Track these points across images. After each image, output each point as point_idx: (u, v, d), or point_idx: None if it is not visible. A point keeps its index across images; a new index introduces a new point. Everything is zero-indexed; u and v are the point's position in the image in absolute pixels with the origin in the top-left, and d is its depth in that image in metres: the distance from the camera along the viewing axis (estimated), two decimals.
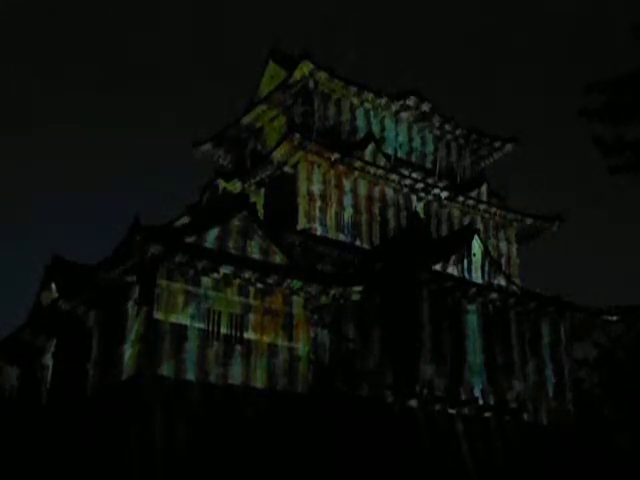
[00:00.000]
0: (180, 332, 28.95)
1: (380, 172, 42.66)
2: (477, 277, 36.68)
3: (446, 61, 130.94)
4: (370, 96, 45.91)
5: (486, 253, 37.80)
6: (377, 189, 42.91)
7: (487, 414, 34.87)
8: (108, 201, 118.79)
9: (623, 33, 25.86)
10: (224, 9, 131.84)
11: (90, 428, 29.52)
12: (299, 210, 39.70)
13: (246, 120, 47.98)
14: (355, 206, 41.71)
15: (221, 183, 44.75)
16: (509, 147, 50.86)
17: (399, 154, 46.25)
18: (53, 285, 36.02)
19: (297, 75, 43.65)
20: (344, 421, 30.53)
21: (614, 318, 37.45)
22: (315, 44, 76.09)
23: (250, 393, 29.69)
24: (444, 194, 45.10)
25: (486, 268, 37.23)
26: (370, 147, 43.30)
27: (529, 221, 48.17)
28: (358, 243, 40.88)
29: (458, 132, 49.30)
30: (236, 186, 44.16)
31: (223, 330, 30.12)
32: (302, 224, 39.17)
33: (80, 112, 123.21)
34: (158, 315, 28.69)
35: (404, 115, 47.33)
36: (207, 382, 28.95)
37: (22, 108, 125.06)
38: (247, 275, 30.75)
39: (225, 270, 30.22)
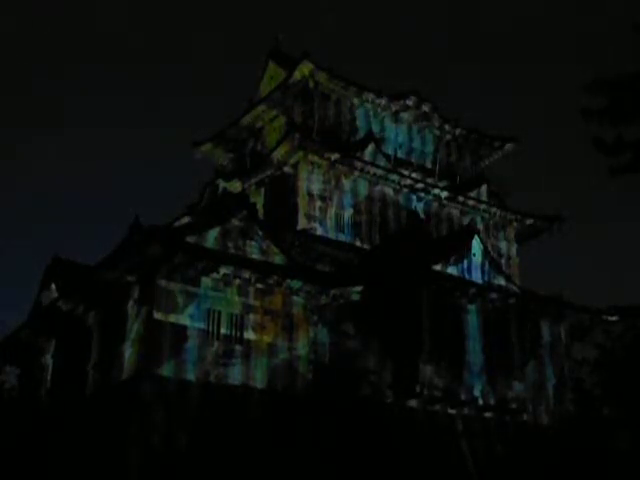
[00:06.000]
0: (180, 332, 28.93)
1: (380, 172, 42.62)
2: (477, 277, 36.63)
3: (446, 61, 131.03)
4: (370, 96, 45.87)
5: (486, 253, 37.76)
6: (377, 189, 42.88)
7: (487, 414, 34.84)
8: (108, 201, 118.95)
9: (623, 33, 25.87)
10: (224, 9, 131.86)
11: (90, 428, 29.51)
12: (299, 210, 39.66)
13: (246, 120, 47.96)
14: (355, 206, 41.68)
15: (221, 183, 44.74)
16: (509, 147, 50.80)
17: (399, 154, 46.21)
18: (53, 285, 36.02)
19: (297, 75, 43.61)
20: (344, 421, 30.51)
21: (614, 318, 37.42)
22: (315, 44, 76.21)
23: (250, 393, 29.69)
24: (444, 194, 45.08)
25: (486, 268, 37.18)
26: (370, 147, 43.26)
27: (529, 221, 48.12)
28: (358, 243, 40.84)
29: (458, 132, 49.26)
30: (236, 186, 44.14)
31: (223, 330, 30.10)
32: (302, 224, 39.13)
33: (80, 112, 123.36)
34: (158, 315, 28.65)
35: (404, 115, 47.30)
36: (207, 382, 28.94)
37: (22, 108, 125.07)
38: (247, 275, 30.73)
39: (225, 270, 30.20)
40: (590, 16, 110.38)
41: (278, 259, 32.73)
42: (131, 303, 30.10)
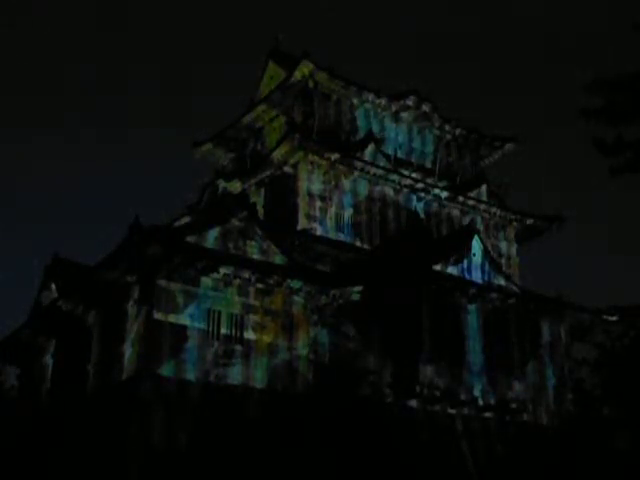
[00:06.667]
0: (180, 332, 28.92)
1: (380, 172, 42.61)
2: (477, 277, 36.63)
3: (446, 61, 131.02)
4: (370, 96, 45.87)
5: (486, 253, 37.76)
6: (377, 189, 42.87)
7: (487, 414, 34.85)
8: (108, 201, 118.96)
9: (623, 33, 25.87)
10: (224, 9, 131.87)
11: (90, 428, 29.52)
12: (299, 210, 39.64)
13: (246, 120, 47.95)
14: (355, 206, 41.67)
15: (221, 183, 44.74)
16: (509, 147, 50.81)
17: (399, 154, 46.20)
18: (53, 285, 36.01)
19: (297, 75, 43.61)
20: (344, 421, 30.51)
21: (614, 318, 37.40)
22: (315, 44, 76.19)
23: (250, 393, 29.69)
24: (444, 194, 45.07)
25: (486, 268, 37.18)
26: (370, 147, 43.25)
27: (529, 221, 48.12)
28: (358, 243, 40.83)
29: (458, 132, 49.26)
30: (236, 186, 44.13)
31: (223, 330, 30.09)
32: (302, 224, 39.12)
33: (80, 112, 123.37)
34: (158, 315, 28.65)
35: (404, 115, 47.29)
36: (207, 382, 28.94)
37: (22, 107, 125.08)
38: (247, 275, 30.72)
39: (225, 270, 30.20)
40: (590, 16, 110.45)
41: (278, 259, 32.73)
42: (131, 303, 30.10)
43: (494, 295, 36.43)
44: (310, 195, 40.08)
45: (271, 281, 31.28)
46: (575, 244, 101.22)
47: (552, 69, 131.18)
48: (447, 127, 48.81)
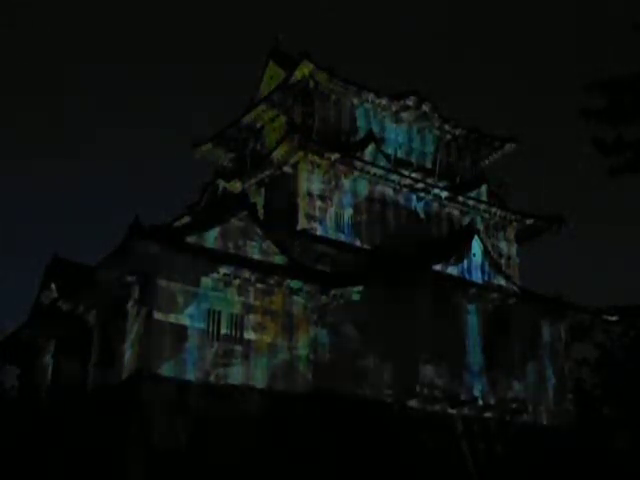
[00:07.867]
0: (180, 332, 28.94)
1: (380, 172, 42.56)
2: (477, 277, 36.64)
3: (446, 61, 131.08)
4: (370, 96, 45.84)
5: (486, 253, 37.76)
6: (377, 189, 42.82)
7: (487, 414, 34.86)
8: (108, 201, 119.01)
9: (623, 33, 25.88)
10: (224, 9, 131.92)
11: (90, 428, 29.51)
12: (299, 210, 39.60)
13: (246, 120, 47.90)
14: (355, 206, 41.62)
15: (221, 183, 44.71)
16: (509, 147, 50.75)
17: (399, 154, 46.15)
18: (53, 285, 36.03)
19: (297, 75, 43.57)
20: (344, 421, 30.51)
21: (614, 318, 37.42)
22: (315, 44, 76.23)
23: (250, 393, 29.70)
24: (444, 194, 45.03)
25: (486, 268, 37.19)
26: (370, 147, 43.21)
27: (529, 221, 48.08)
28: (358, 243, 40.80)
29: (458, 132, 49.22)
30: (236, 186, 44.09)
31: (223, 330, 30.11)
32: (302, 224, 39.09)
33: (80, 112, 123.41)
34: (158, 315, 28.66)
35: (404, 115, 47.26)
36: (207, 382, 28.96)
37: (22, 107, 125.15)
38: (247, 275, 30.74)
39: (225, 270, 30.21)
40: (590, 16, 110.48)
41: (278, 259, 32.74)
42: (131, 303, 30.11)
43: (494, 295, 36.45)
44: (310, 195, 40.04)
45: (271, 281, 31.29)
46: (575, 244, 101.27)
47: (552, 69, 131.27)
48: (447, 127, 48.76)
